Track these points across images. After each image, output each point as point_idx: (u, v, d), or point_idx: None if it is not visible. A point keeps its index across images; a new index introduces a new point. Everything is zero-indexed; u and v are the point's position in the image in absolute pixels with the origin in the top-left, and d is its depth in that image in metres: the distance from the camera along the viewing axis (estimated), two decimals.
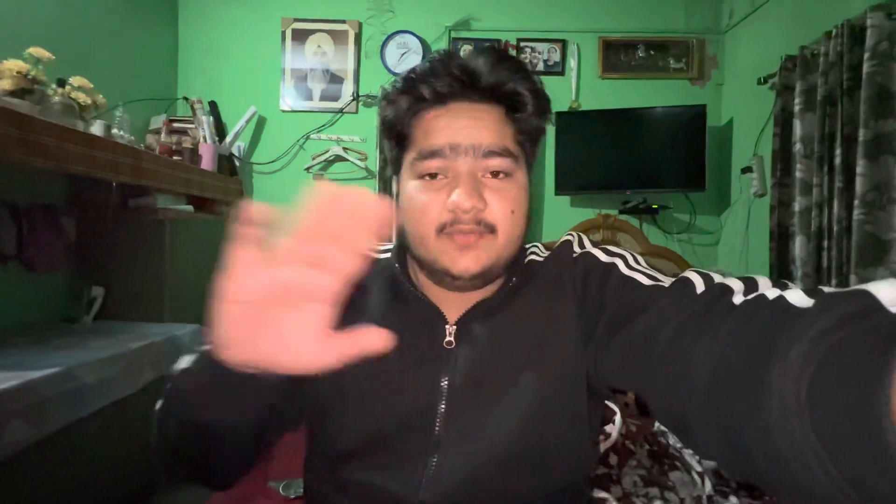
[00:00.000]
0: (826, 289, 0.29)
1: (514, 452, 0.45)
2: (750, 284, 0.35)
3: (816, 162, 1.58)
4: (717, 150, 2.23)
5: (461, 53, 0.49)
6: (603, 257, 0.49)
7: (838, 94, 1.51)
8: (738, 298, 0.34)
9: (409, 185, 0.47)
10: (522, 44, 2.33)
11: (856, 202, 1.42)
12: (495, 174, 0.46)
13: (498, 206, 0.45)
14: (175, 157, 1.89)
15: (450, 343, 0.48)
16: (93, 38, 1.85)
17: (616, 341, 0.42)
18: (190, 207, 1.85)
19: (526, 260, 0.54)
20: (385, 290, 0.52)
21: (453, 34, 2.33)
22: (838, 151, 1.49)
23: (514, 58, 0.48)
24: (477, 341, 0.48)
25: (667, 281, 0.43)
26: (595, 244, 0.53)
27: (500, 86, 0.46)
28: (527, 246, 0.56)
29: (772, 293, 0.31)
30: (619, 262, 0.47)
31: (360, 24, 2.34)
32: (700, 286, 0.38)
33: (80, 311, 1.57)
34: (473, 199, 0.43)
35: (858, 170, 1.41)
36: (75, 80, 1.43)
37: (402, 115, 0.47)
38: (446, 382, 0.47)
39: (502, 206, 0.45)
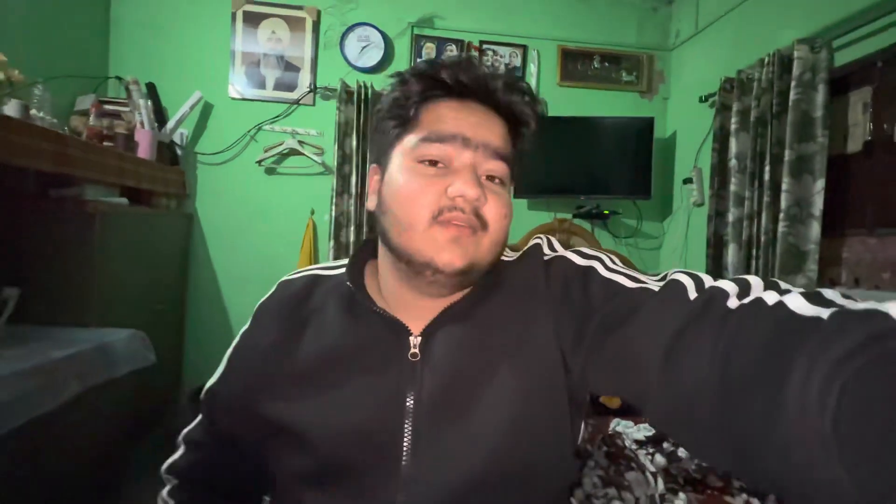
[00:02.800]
0: (826, 293, 0.29)
1: (491, 474, 0.43)
2: (743, 286, 0.35)
3: (748, 177, 1.73)
4: (662, 160, 2.38)
5: (423, 52, 0.50)
6: (578, 260, 0.48)
7: (769, 116, 1.66)
8: (732, 302, 0.34)
9: (404, 168, 0.45)
10: (485, 46, 2.35)
11: (781, 215, 1.57)
12: (491, 178, 0.46)
13: (494, 206, 0.45)
14: (106, 143, 1.71)
15: (415, 356, 0.46)
16: (4, 4, 1.62)
17: (607, 348, 0.40)
18: (124, 200, 1.69)
19: None
20: (340, 307, 0.49)
21: (416, 31, 2.29)
22: (767, 169, 1.65)
23: (527, 84, 0.50)
24: (444, 352, 0.46)
25: (652, 283, 0.42)
26: (567, 247, 0.52)
27: (512, 105, 0.47)
28: None
29: (770, 297, 0.31)
30: (597, 265, 0.46)
31: (319, 13, 2.23)
32: (692, 290, 0.37)
33: None
34: (478, 189, 0.43)
35: (783, 186, 1.57)
36: None
37: (413, 96, 0.47)
38: (412, 399, 0.44)
39: (498, 206, 0.45)
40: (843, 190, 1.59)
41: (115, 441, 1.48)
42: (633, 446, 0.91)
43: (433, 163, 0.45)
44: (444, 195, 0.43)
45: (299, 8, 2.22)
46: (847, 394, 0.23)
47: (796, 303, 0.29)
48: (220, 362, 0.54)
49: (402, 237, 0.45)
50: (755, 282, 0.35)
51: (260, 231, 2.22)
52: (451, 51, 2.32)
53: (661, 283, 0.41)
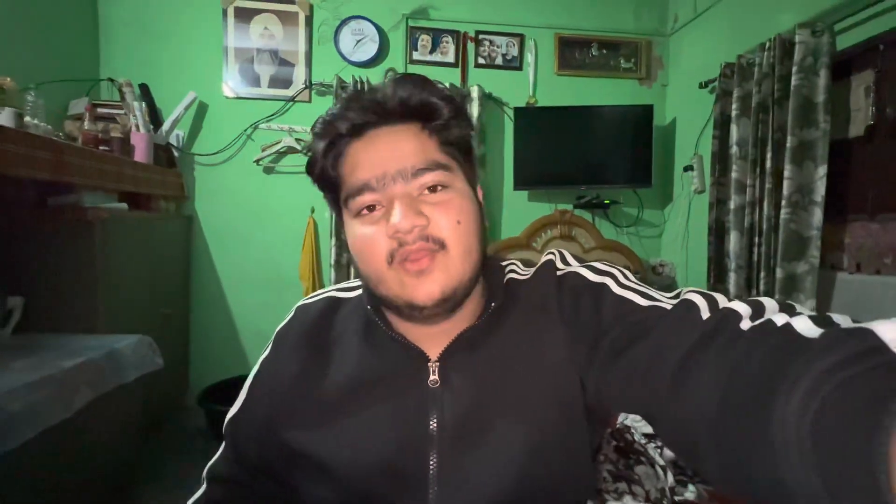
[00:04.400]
0: (835, 316, 0.30)
1: (516, 497, 0.43)
2: (757, 308, 0.35)
3: (750, 164, 1.73)
4: (662, 148, 2.37)
5: (419, 44, 0.47)
6: (591, 276, 0.47)
7: (770, 102, 1.65)
8: (745, 324, 0.34)
9: (350, 226, 0.45)
10: (481, 36, 2.31)
11: (783, 202, 1.57)
12: (433, 189, 0.44)
13: (441, 218, 0.43)
14: (102, 148, 1.69)
15: (434, 382, 0.46)
16: None
17: (619, 366, 0.41)
18: (123, 205, 1.67)
19: (505, 279, 0.51)
20: (360, 333, 0.49)
21: (410, 22, 2.26)
22: (769, 155, 1.64)
23: (419, 74, 0.47)
24: (464, 377, 0.46)
25: (665, 301, 0.42)
26: (580, 261, 0.50)
27: (408, 100, 0.45)
28: (504, 263, 0.53)
29: (779, 319, 0.31)
30: (610, 282, 0.46)
31: (311, 7, 2.19)
32: (705, 311, 0.37)
33: None
34: (409, 217, 0.41)
35: (786, 173, 1.56)
36: None
37: (324, 157, 0.46)
38: (435, 425, 0.44)
39: (446, 216, 0.43)
40: (845, 175, 1.58)
41: (126, 446, 1.50)
42: (643, 440, 0.92)
43: (371, 208, 0.44)
44: (387, 235, 0.42)
45: (291, 2, 2.17)
46: (826, 406, 0.24)
47: (802, 325, 0.30)
48: (241, 390, 0.53)
49: (378, 288, 0.45)
50: (770, 304, 0.35)
51: (261, 231, 2.21)
52: (447, 42, 2.29)
53: (675, 302, 0.41)
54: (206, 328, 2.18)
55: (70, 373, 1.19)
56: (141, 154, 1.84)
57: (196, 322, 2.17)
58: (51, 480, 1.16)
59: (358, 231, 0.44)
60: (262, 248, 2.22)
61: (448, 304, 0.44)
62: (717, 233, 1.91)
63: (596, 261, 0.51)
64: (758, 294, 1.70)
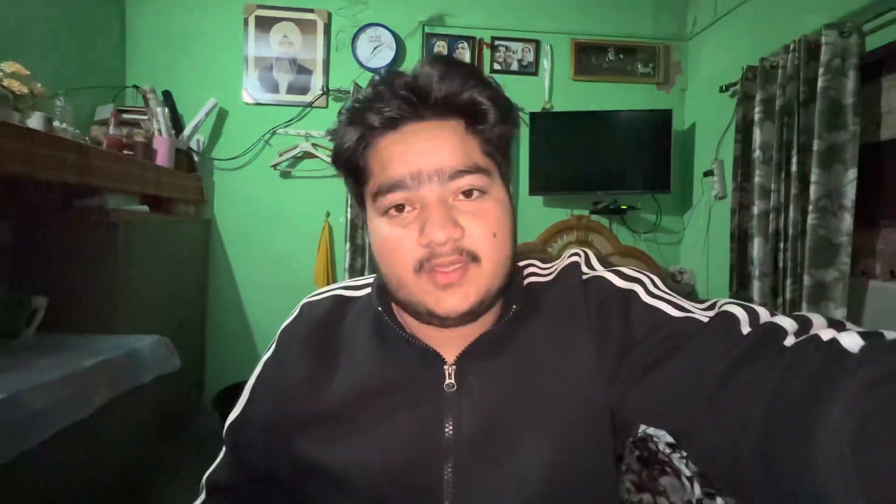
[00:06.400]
0: (889, 333, 0.28)
1: None
2: (803, 324, 0.33)
3: (774, 168, 1.68)
4: (681, 153, 2.32)
5: (435, 50, 0.43)
6: (619, 282, 0.44)
7: (795, 105, 1.60)
8: (789, 340, 0.32)
9: (375, 223, 0.42)
10: (497, 42, 2.32)
11: (810, 208, 1.52)
12: (468, 194, 0.40)
13: (477, 231, 0.40)
14: (126, 152, 1.74)
15: (451, 386, 0.43)
16: (26, 19, 1.65)
17: (650, 381, 0.38)
18: (145, 208, 1.71)
19: (525, 281, 0.49)
20: (371, 336, 0.47)
21: (427, 29, 2.28)
22: (794, 160, 1.59)
23: (465, 63, 0.43)
24: (482, 383, 0.43)
25: (699, 313, 0.39)
26: (606, 265, 0.48)
27: (453, 97, 0.41)
28: (522, 264, 0.50)
29: (826, 334, 0.30)
30: (639, 289, 0.43)
31: (330, 15, 2.23)
32: (745, 325, 0.35)
33: (20, 324, 1.41)
34: (447, 228, 0.38)
35: (812, 178, 1.51)
36: (8, 66, 1.27)
37: (352, 147, 0.42)
38: (451, 432, 0.42)
39: (482, 229, 0.40)
40: (877, 179, 1.53)
41: (142, 446, 1.51)
42: (667, 450, 0.89)
43: (400, 208, 0.41)
44: (419, 243, 0.40)
45: (310, 11, 2.21)
46: (866, 421, 0.24)
47: (849, 340, 0.29)
48: (242, 393, 0.51)
49: (398, 293, 0.42)
50: (817, 320, 0.33)
51: (277, 235, 2.24)
52: (463, 48, 2.30)
53: (710, 314, 0.39)
54: (222, 330, 2.20)
55: (89, 372, 1.20)
56: (163, 158, 1.88)
57: (213, 324, 2.19)
58: (68, 478, 1.17)
59: (384, 231, 0.41)
60: (278, 251, 2.24)
61: (472, 317, 0.42)
62: (740, 239, 1.86)
63: (623, 266, 0.49)
64: (784, 303, 1.64)
